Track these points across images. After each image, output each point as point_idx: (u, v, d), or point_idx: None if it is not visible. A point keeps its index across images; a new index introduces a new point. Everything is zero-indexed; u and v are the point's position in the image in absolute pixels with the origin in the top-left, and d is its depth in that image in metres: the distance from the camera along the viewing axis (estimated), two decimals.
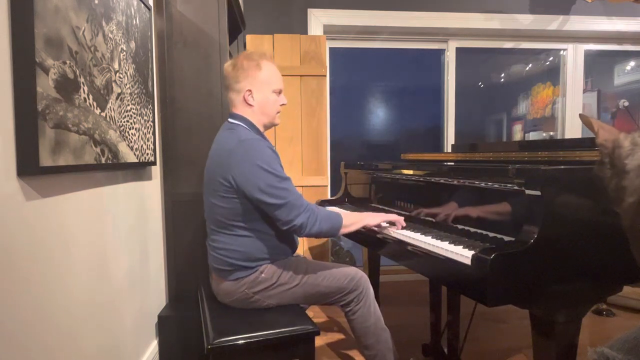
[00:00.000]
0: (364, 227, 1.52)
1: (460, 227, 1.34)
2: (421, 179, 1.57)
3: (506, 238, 1.15)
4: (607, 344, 0.77)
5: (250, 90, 1.45)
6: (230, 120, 1.50)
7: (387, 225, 1.54)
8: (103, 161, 1.32)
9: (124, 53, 1.51)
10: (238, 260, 1.41)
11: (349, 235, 1.89)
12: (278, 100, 1.51)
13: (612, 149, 0.73)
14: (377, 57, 3.32)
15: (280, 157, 1.43)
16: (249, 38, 2.63)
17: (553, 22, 3.16)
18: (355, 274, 1.49)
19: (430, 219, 1.50)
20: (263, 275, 1.41)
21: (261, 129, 1.52)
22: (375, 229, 1.56)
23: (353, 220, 1.48)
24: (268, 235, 1.44)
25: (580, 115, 0.84)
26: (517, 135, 3.54)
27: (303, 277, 1.45)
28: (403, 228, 1.49)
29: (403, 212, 1.65)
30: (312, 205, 1.39)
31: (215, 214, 1.43)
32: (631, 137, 0.71)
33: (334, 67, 3.20)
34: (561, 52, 3.41)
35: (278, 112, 1.53)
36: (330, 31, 3.05)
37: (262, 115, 1.49)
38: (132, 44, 1.59)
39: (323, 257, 2.69)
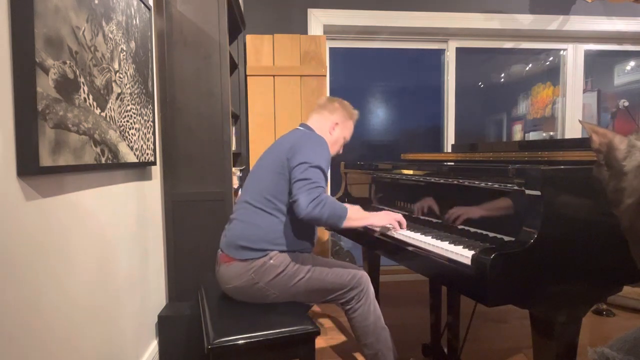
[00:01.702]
0: (370, 225, 1.54)
1: (460, 227, 1.34)
2: (421, 179, 1.57)
3: (506, 238, 1.15)
4: (607, 344, 0.77)
5: (337, 124, 1.70)
6: (299, 127, 1.69)
7: (391, 226, 1.54)
8: (103, 161, 1.32)
9: (124, 53, 1.51)
10: (254, 236, 1.44)
11: (349, 234, 1.89)
12: (339, 147, 1.76)
13: (607, 152, 0.73)
14: (377, 57, 3.32)
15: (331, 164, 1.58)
16: (249, 38, 2.63)
17: (553, 22, 3.16)
18: (357, 272, 1.52)
19: (430, 219, 1.51)
20: (272, 261, 1.43)
21: None
22: (377, 228, 1.56)
23: (359, 215, 1.50)
24: (293, 224, 1.48)
25: (580, 121, 0.85)
26: (517, 135, 3.54)
27: (309, 270, 1.47)
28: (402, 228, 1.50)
29: (403, 212, 1.65)
30: (324, 196, 1.39)
31: (256, 187, 1.52)
32: (628, 140, 0.71)
33: (334, 67, 3.20)
34: (561, 52, 3.40)
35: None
36: (330, 31, 3.04)
37: (330, 146, 1.65)
38: (132, 44, 1.59)
39: (323, 256, 2.69)
